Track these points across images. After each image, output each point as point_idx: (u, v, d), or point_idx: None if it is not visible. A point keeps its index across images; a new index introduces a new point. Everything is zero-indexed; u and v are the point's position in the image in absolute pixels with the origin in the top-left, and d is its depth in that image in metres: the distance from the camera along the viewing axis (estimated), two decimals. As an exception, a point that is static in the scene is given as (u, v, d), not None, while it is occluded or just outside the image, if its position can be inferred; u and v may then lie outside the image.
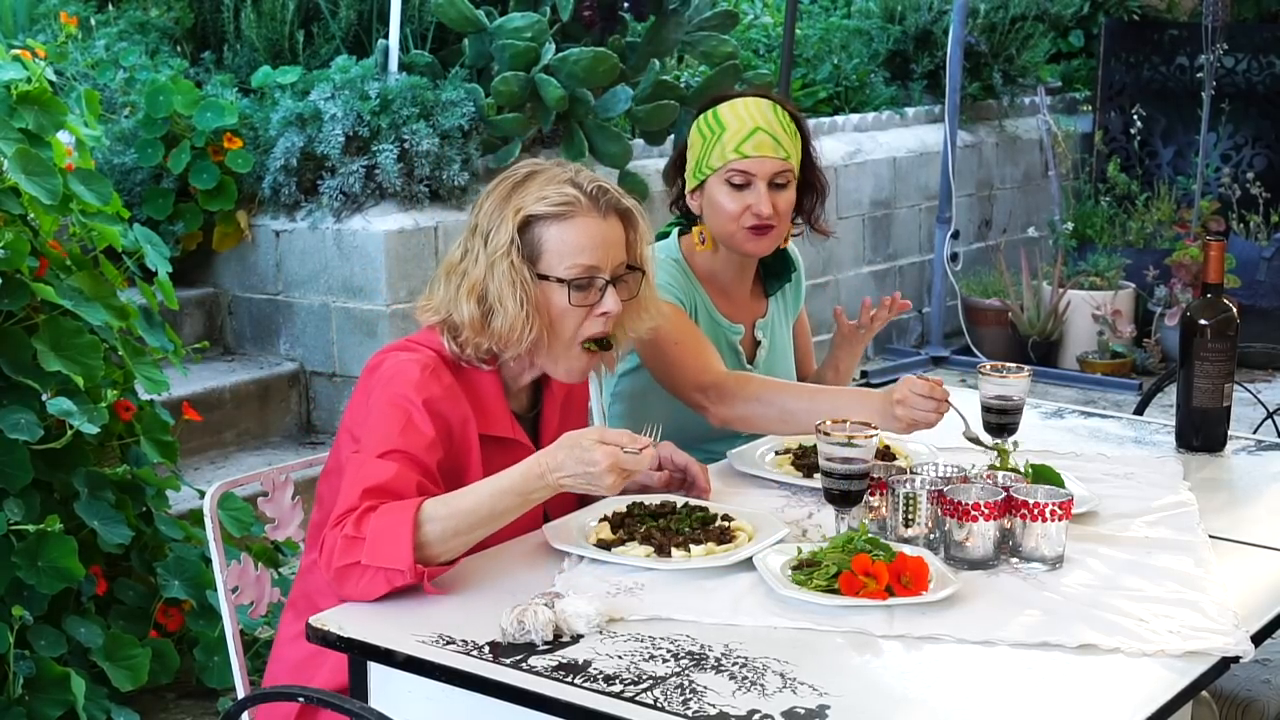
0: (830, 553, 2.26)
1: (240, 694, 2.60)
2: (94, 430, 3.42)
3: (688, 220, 3.09)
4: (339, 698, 2.04)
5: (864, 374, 6.56)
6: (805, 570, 2.24)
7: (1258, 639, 2.15)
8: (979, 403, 2.72)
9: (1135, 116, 7.92)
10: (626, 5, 5.66)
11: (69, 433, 3.42)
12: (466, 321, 2.37)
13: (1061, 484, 2.51)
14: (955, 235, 7.10)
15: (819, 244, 6.96)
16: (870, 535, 2.30)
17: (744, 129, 2.93)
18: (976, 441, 2.66)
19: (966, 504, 2.31)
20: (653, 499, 2.53)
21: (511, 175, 2.44)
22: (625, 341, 2.53)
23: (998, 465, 2.61)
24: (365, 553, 2.14)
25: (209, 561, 3.28)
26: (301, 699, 2.15)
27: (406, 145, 5.03)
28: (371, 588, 2.16)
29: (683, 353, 2.88)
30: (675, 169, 3.11)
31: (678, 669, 1.99)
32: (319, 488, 2.53)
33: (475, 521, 2.20)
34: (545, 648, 2.04)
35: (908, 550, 2.28)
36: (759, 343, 3.13)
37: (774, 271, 3.16)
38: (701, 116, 3.00)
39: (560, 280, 2.37)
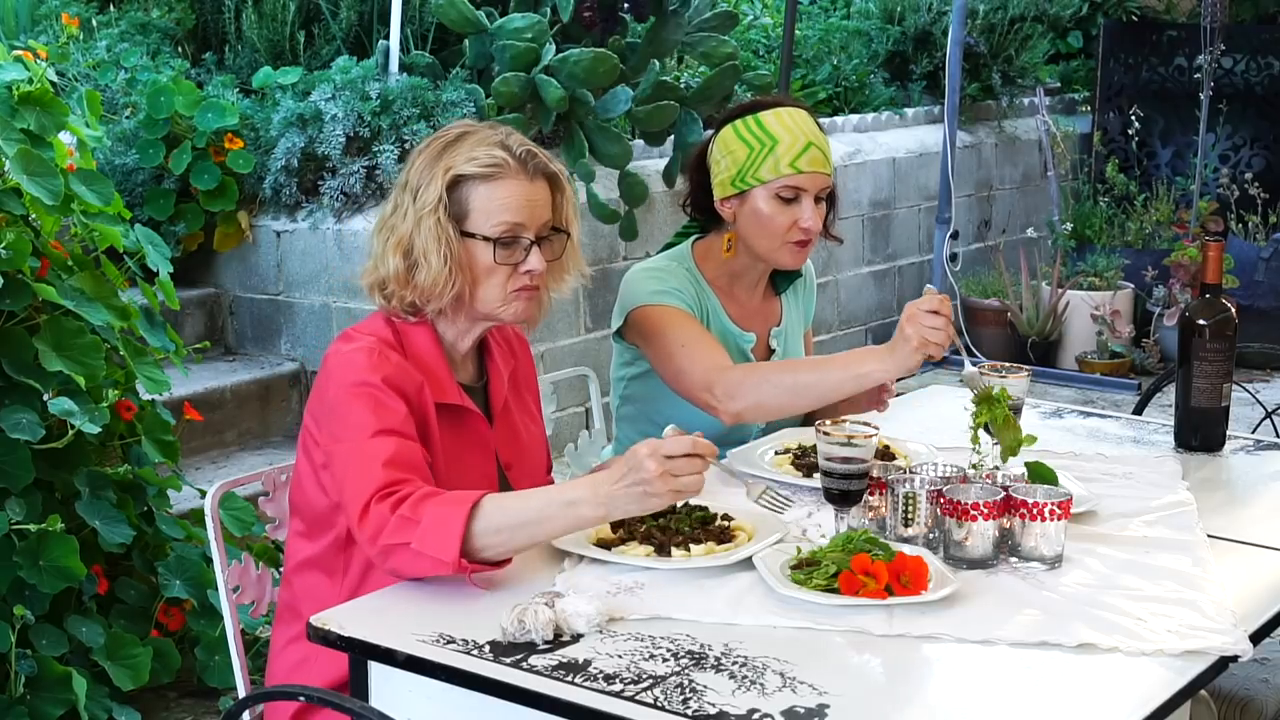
0: (830, 552, 2.26)
1: (241, 693, 2.61)
2: (95, 430, 3.42)
3: (704, 221, 3.06)
4: (339, 696, 2.04)
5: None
6: (805, 570, 2.25)
7: (1256, 638, 2.15)
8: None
9: (1134, 117, 7.93)
10: (626, 6, 5.65)
11: (70, 433, 3.42)
12: (391, 275, 2.42)
13: (1056, 482, 2.51)
14: (954, 235, 7.11)
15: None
16: (870, 535, 2.31)
17: (798, 143, 2.89)
18: (973, 383, 2.56)
19: (965, 503, 2.32)
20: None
21: (444, 135, 2.48)
22: (548, 300, 2.56)
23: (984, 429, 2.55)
24: (417, 537, 2.18)
25: (210, 561, 3.29)
26: (302, 698, 2.17)
27: (407, 146, 5.02)
28: (415, 569, 2.21)
29: (689, 355, 2.86)
30: (696, 170, 3.03)
31: (677, 668, 1.99)
32: (292, 497, 2.55)
33: (519, 521, 2.21)
34: (545, 647, 2.05)
35: (907, 550, 2.28)
36: (773, 350, 3.11)
37: (780, 272, 3.13)
38: (741, 123, 2.93)
39: (486, 238, 2.43)
